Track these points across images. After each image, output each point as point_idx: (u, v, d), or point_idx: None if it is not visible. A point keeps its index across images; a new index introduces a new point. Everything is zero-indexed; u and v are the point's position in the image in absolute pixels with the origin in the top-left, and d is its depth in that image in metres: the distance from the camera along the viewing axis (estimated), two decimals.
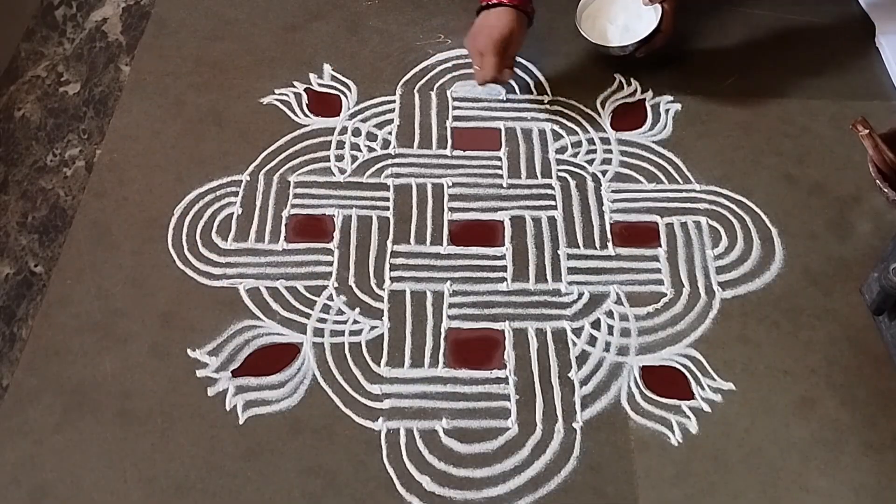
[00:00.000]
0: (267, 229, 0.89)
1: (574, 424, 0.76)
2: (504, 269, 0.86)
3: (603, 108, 1.01)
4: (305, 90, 1.02)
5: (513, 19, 0.95)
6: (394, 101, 1.01)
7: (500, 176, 0.94)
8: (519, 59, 1.06)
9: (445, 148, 0.97)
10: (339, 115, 1.00)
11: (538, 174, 0.94)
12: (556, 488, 0.72)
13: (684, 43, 1.06)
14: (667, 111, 1.01)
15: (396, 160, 0.95)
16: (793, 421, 0.76)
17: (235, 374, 0.78)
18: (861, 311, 0.83)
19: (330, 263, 0.86)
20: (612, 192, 0.93)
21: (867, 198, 0.92)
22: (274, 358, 0.80)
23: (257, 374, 0.79)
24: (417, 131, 0.98)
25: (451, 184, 0.93)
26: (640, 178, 0.94)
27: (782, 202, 0.92)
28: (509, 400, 0.77)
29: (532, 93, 1.03)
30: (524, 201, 0.92)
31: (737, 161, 0.96)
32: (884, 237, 0.88)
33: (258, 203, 0.91)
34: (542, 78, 1.04)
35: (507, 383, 0.78)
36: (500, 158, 0.96)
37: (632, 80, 1.04)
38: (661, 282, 0.86)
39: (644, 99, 1.02)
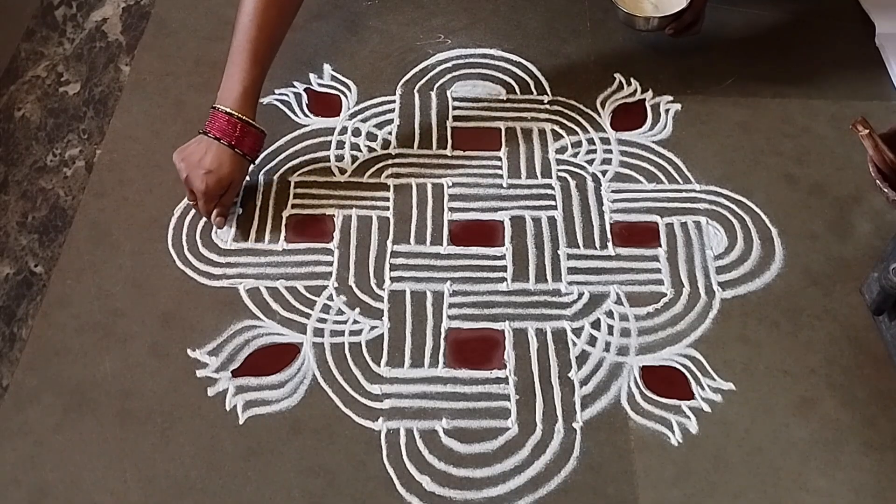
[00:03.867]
0: (267, 229, 0.89)
1: (574, 424, 0.76)
2: (504, 269, 0.86)
3: (603, 108, 1.01)
4: (305, 90, 1.02)
5: (236, 166, 0.86)
6: (394, 101, 1.01)
7: (500, 176, 0.94)
8: (519, 59, 1.06)
9: (445, 148, 0.97)
10: (339, 115, 1.00)
11: (538, 174, 0.94)
12: (556, 488, 0.72)
13: (684, 43, 1.06)
14: (667, 111, 1.01)
15: (396, 160, 0.95)
16: (793, 421, 0.76)
17: (235, 374, 0.78)
18: (861, 311, 0.83)
19: (330, 263, 0.86)
20: (612, 192, 0.93)
21: (867, 198, 0.92)
22: (274, 358, 0.80)
23: (257, 374, 0.79)
24: (417, 131, 0.98)
25: (451, 184, 0.93)
26: (640, 178, 0.94)
27: (782, 202, 0.92)
28: (509, 400, 0.77)
29: (532, 93, 1.03)
30: (524, 201, 0.92)
31: (737, 161, 0.96)
32: (884, 237, 0.88)
33: (258, 203, 0.91)
34: (542, 78, 1.04)
35: (507, 383, 0.78)
36: (500, 158, 0.96)
37: (632, 80, 1.04)
38: (661, 282, 0.86)
39: (644, 99, 1.02)
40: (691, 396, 0.78)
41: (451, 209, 0.91)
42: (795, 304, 0.84)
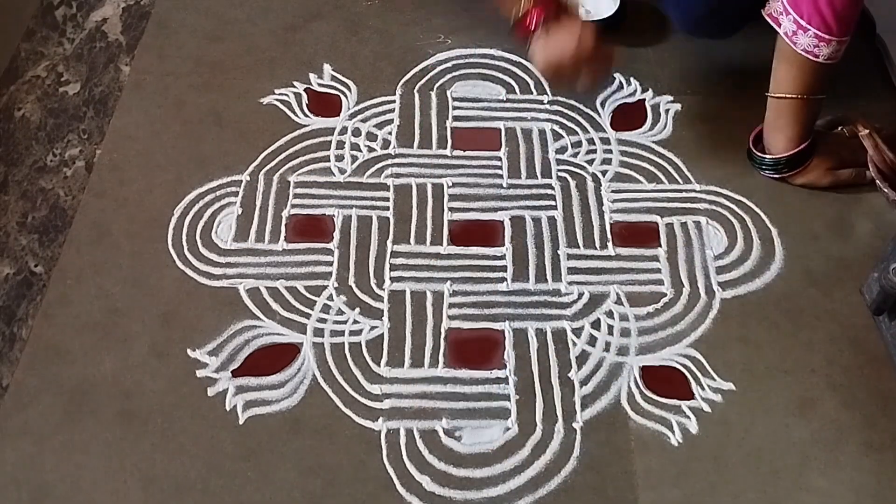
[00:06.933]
0: (267, 229, 0.89)
1: (574, 424, 0.76)
2: (504, 269, 0.86)
3: (603, 108, 1.01)
4: (305, 90, 1.02)
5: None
6: (394, 101, 1.01)
7: (500, 176, 0.94)
8: (519, 59, 1.06)
9: (445, 148, 0.97)
10: (339, 115, 1.00)
11: (538, 174, 0.94)
12: (556, 488, 0.72)
13: (684, 43, 1.06)
14: (667, 111, 1.01)
15: (396, 160, 0.95)
16: (793, 421, 0.76)
17: (235, 374, 0.78)
18: (861, 311, 0.83)
19: (330, 263, 0.86)
20: (612, 192, 0.93)
21: (867, 198, 0.92)
22: (274, 358, 0.80)
23: (257, 374, 0.79)
24: (417, 131, 0.98)
25: (451, 184, 0.93)
26: (640, 178, 0.94)
27: (782, 202, 0.92)
28: (509, 400, 0.77)
29: (532, 93, 1.03)
30: (524, 201, 0.92)
31: (737, 161, 0.96)
32: (884, 237, 0.88)
33: (258, 203, 0.91)
34: (542, 78, 1.04)
35: (507, 383, 0.78)
36: (500, 158, 0.96)
37: (632, 79, 1.04)
38: (661, 282, 0.86)
39: (644, 99, 1.02)
40: (691, 396, 0.78)
41: (451, 209, 0.91)
42: (795, 304, 0.84)
